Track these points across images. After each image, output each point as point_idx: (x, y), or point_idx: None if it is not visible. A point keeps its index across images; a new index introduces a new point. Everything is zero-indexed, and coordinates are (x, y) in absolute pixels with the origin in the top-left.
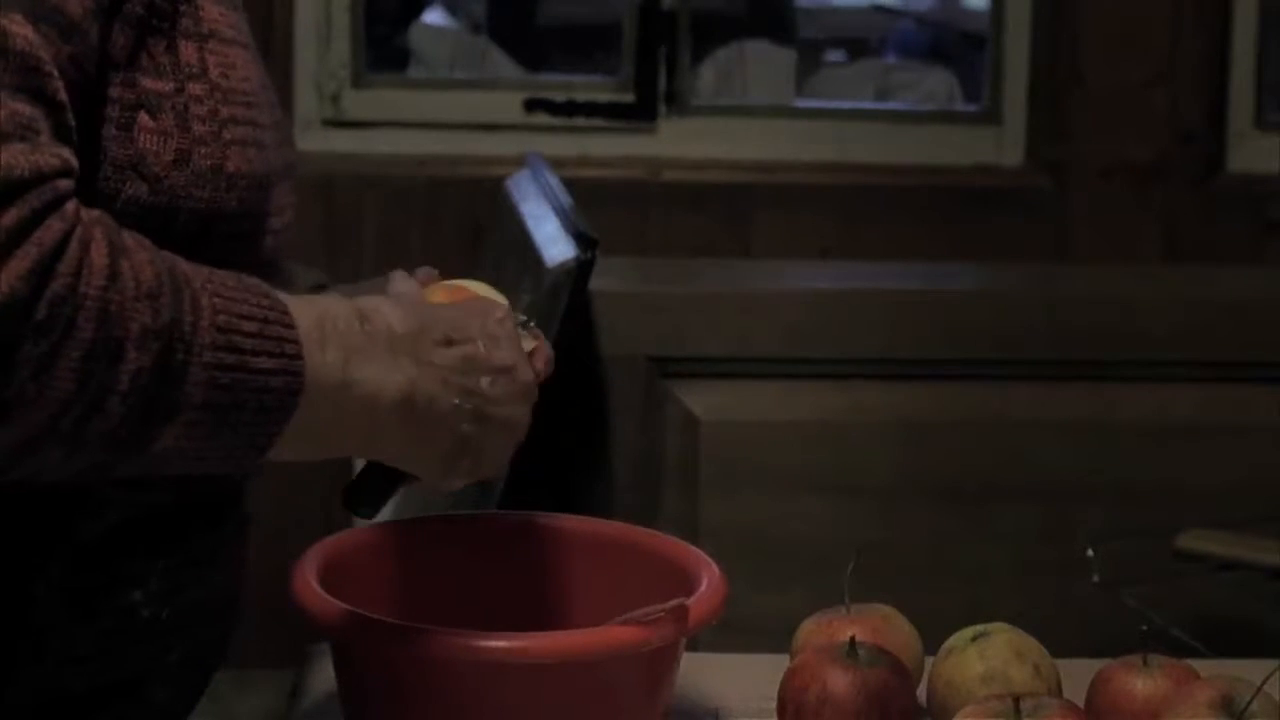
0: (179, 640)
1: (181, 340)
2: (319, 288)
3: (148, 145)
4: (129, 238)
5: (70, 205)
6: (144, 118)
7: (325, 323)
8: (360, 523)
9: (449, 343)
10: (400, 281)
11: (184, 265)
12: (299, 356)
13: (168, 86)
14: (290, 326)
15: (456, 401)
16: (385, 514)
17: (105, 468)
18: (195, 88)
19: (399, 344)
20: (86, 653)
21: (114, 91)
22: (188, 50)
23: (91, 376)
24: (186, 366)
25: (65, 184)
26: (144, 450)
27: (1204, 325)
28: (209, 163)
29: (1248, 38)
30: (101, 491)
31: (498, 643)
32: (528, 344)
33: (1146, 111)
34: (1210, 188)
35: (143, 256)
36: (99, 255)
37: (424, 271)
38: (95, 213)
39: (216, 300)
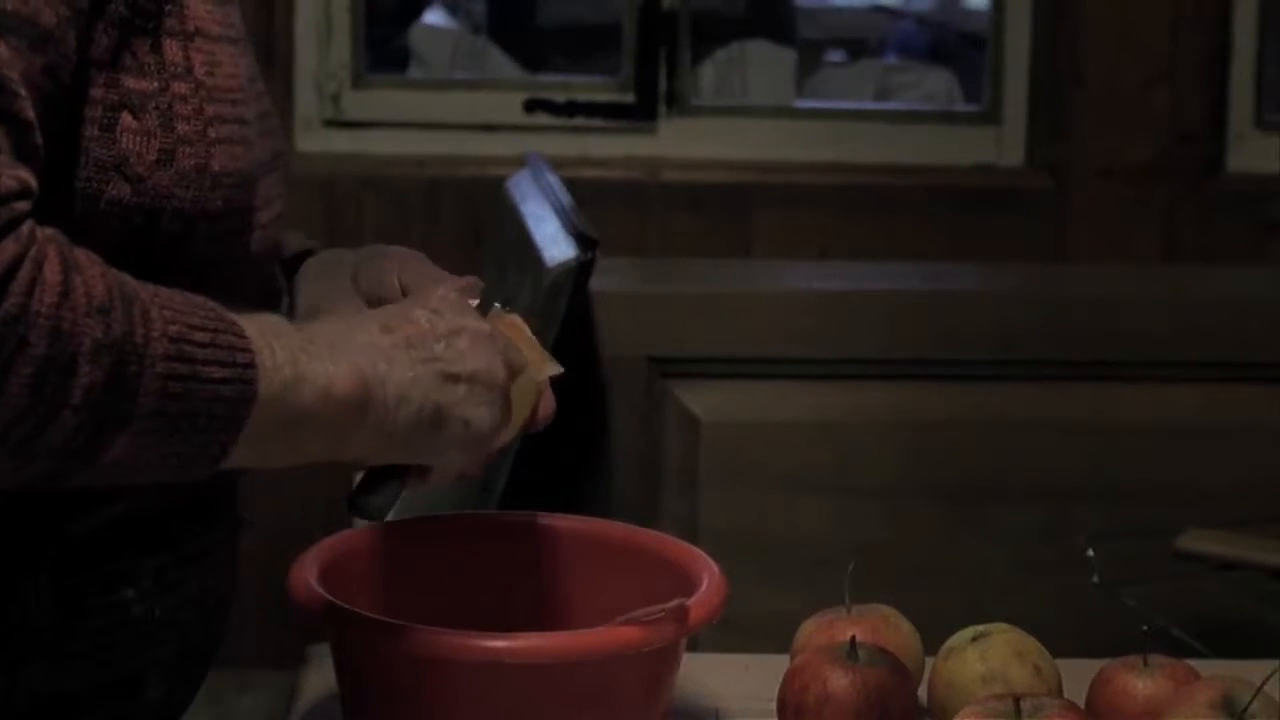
0: (172, 638)
1: (135, 352)
2: (306, 252)
3: (130, 145)
4: (81, 254)
5: (25, 227)
6: (127, 118)
7: (267, 330)
8: (362, 523)
9: (387, 330)
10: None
11: (132, 281)
12: (251, 365)
13: (151, 86)
14: (241, 336)
15: (412, 374)
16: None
17: (54, 477)
18: (180, 87)
19: (337, 339)
20: (80, 650)
21: (96, 92)
22: (172, 49)
23: (44, 391)
24: (140, 378)
25: (22, 206)
26: (94, 460)
27: (1204, 325)
28: (193, 162)
29: (1247, 38)
30: (91, 490)
31: (497, 643)
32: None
33: (1146, 111)
34: (1210, 188)
35: (94, 272)
36: (52, 273)
37: (469, 280)
38: (49, 230)
39: (166, 312)
